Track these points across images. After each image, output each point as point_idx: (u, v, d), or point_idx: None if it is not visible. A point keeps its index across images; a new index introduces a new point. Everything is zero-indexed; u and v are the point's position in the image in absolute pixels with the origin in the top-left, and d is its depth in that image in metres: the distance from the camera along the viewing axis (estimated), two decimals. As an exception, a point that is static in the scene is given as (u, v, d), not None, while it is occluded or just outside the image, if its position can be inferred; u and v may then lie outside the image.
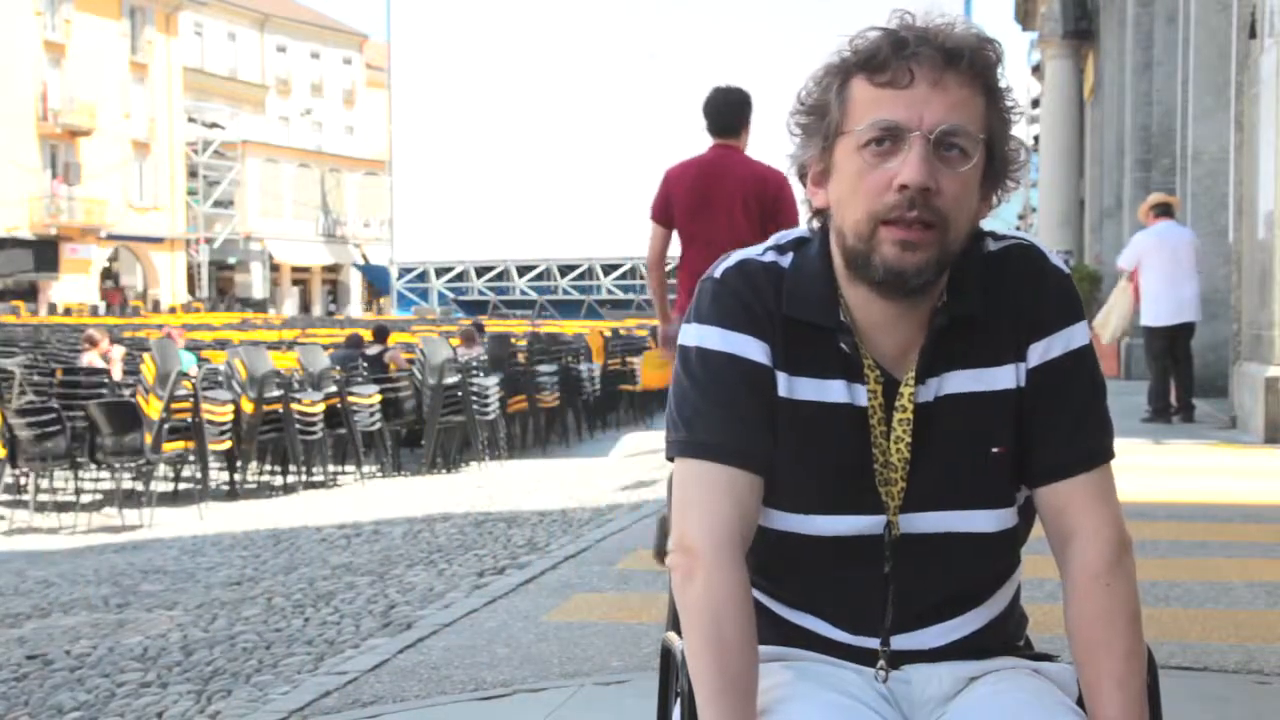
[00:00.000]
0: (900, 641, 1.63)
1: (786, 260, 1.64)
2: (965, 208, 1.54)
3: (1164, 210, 10.97)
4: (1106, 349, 15.91)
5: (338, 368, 12.44)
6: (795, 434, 1.59)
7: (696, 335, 1.62)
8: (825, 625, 1.66)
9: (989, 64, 1.55)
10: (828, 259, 1.61)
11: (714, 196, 5.41)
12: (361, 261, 62.70)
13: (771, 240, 1.68)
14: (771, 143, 1.71)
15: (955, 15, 1.57)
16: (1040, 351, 1.60)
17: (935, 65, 1.51)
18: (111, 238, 50.28)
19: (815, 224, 1.65)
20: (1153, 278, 10.79)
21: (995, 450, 1.60)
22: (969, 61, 1.52)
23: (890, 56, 1.52)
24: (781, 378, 1.60)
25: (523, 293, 49.26)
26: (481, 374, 12.79)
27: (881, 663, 1.63)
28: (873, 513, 1.60)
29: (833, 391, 1.60)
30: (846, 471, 1.59)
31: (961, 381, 1.60)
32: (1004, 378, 1.60)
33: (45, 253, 47.75)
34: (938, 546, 1.61)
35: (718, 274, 1.64)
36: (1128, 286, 11.32)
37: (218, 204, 56.98)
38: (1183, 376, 10.95)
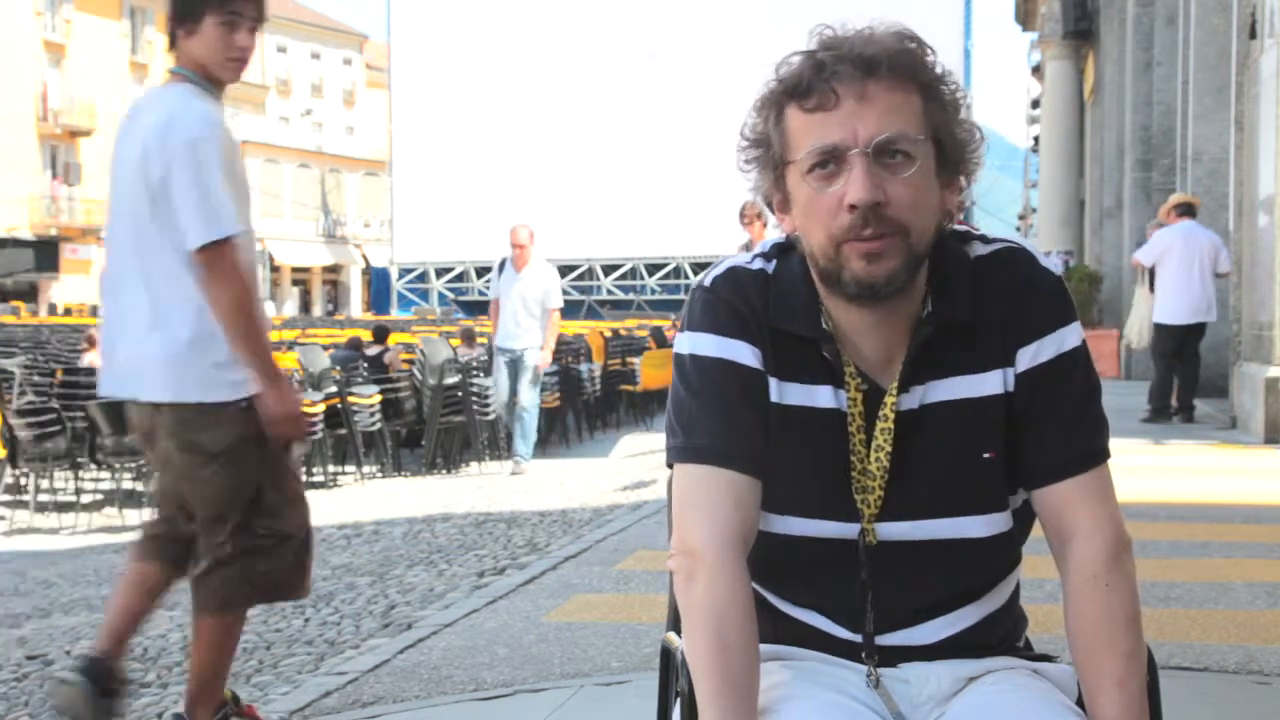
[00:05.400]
0: (893, 638, 1.64)
1: (772, 267, 1.65)
2: (923, 208, 1.54)
3: (1186, 210, 10.99)
4: (1107, 349, 15.93)
5: (338, 368, 12.43)
6: (784, 438, 1.60)
7: (690, 343, 1.63)
8: (824, 620, 1.67)
9: (913, 61, 1.54)
10: (808, 267, 1.62)
11: None
12: (363, 264, 62.67)
13: (758, 247, 1.69)
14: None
15: (874, 18, 1.56)
16: (1030, 355, 1.60)
17: (855, 79, 1.51)
18: (111, 238, 50.26)
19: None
20: (1170, 276, 10.80)
21: (985, 456, 1.60)
22: (888, 66, 1.52)
23: (813, 80, 1.52)
24: (773, 382, 1.61)
25: (523, 293, 49.17)
26: (481, 374, 12.78)
27: (870, 668, 1.63)
28: (849, 520, 1.61)
29: (820, 397, 1.61)
30: (826, 477, 1.60)
31: (947, 389, 1.60)
32: (991, 383, 1.60)
33: (45, 253, 47.77)
34: (923, 553, 1.61)
35: (708, 282, 1.66)
36: (1145, 293, 11.32)
37: (218, 204, 56.92)
38: (1186, 376, 10.95)
